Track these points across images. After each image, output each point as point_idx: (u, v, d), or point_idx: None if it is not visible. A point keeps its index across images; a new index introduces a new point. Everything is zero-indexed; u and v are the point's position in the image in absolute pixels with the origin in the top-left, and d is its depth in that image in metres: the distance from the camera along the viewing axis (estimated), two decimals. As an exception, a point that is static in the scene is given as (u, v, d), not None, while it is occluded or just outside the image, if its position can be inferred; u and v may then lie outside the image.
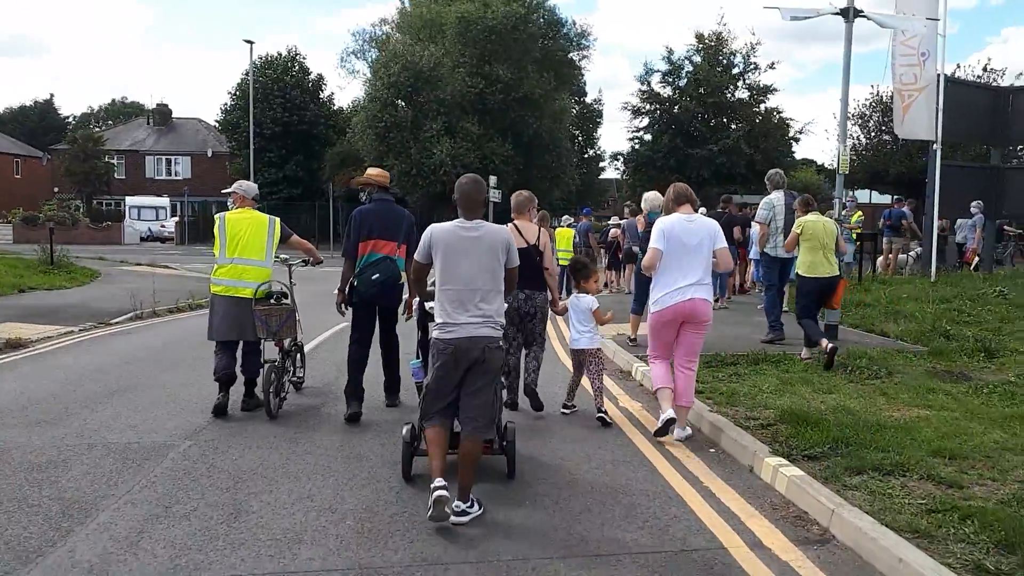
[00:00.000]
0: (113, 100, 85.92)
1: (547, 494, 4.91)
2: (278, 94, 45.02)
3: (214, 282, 6.94)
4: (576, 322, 6.79)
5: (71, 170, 50.13)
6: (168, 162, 55.79)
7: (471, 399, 4.48)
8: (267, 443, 6.02)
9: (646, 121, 42.62)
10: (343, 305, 6.89)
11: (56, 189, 52.97)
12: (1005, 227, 21.63)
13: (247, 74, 41.67)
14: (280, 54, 47.38)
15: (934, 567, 3.58)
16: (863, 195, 40.51)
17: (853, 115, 38.65)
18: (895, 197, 23.85)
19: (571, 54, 46.26)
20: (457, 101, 38.62)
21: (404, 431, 5.12)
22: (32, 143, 62.71)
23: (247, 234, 6.88)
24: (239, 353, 7.05)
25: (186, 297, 16.25)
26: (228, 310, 6.81)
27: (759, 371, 7.99)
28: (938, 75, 16.47)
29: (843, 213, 17.98)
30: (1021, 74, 33.62)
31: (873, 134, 38.12)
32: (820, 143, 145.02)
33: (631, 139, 43.10)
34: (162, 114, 58.43)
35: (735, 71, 41.23)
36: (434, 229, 4.57)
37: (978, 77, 34.21)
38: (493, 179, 32.25)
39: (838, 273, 8.87)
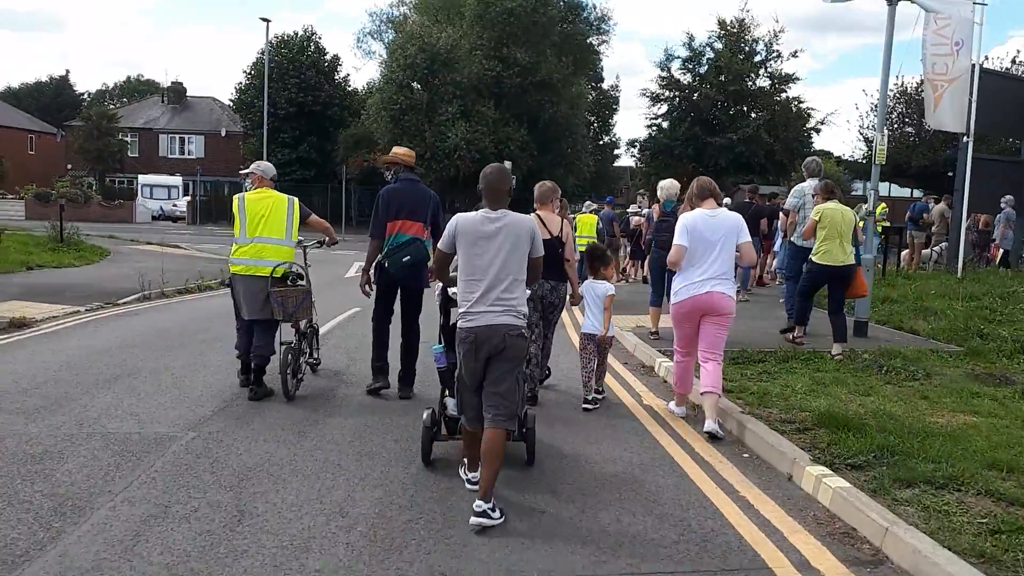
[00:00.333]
0: (128, 77, 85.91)
1: (572, 499, 4.58)
2: (293, 74, 44.67)
3: (233, 262, 6.88)
4: (591, 308, 6.82)
5: (84, 147, 49.93)
6: (181, 141, 55.54)
7: (493, 387, 4.39)
8: (274, 436, 5.71)
9: (665, 108, 42.11)
10: (369, 285, 6.86)
11: (69, 166, 52.82)
12: None
13: (262, 53, 41.37)
14: (296, 33, 47.02)
15: (1006, 599, 3.24)
16: (883, 188, 39.84)
17: (875, 106, 37.98)
18: (924, 192, 23.37)
19: (590, 39, 45.73)
20: (473, 84, 38.20)
21: (425, 415, 5.13)
22: (47, 119, 62.70)
23: (268, 213, 6.80)
24: (252, 339, 6.95)
25: (195, 278, 16.01)
26: (248, 288, 6.78)
27: (790, 369, 7.63)
28: (973, 65, 15.96)
29: (867, 206, 17.60)
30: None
31: (896, 126, 37.38)
32: (841, 134, 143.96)
33: (649, 126, 42.68)
34: (176, 92, 58.14)
35: (757, 59, 40.57)
36: (459, 219, 4.53)
37: (1006, 69, 33.46)
38: (508, 164, 31.89)
39: (853, 262, 8.66)
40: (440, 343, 5.28)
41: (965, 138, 16.29)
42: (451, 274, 4.86)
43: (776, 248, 14.90)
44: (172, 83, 59.17)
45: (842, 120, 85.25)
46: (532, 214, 6.52)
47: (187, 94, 58.71)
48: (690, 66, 41.68)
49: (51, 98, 72.39)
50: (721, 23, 40.75)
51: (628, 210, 18.00)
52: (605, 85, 54.40)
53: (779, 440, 5.34)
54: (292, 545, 3.91)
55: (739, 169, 37.96)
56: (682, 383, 6.37)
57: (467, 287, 4.44)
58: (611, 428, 6.07)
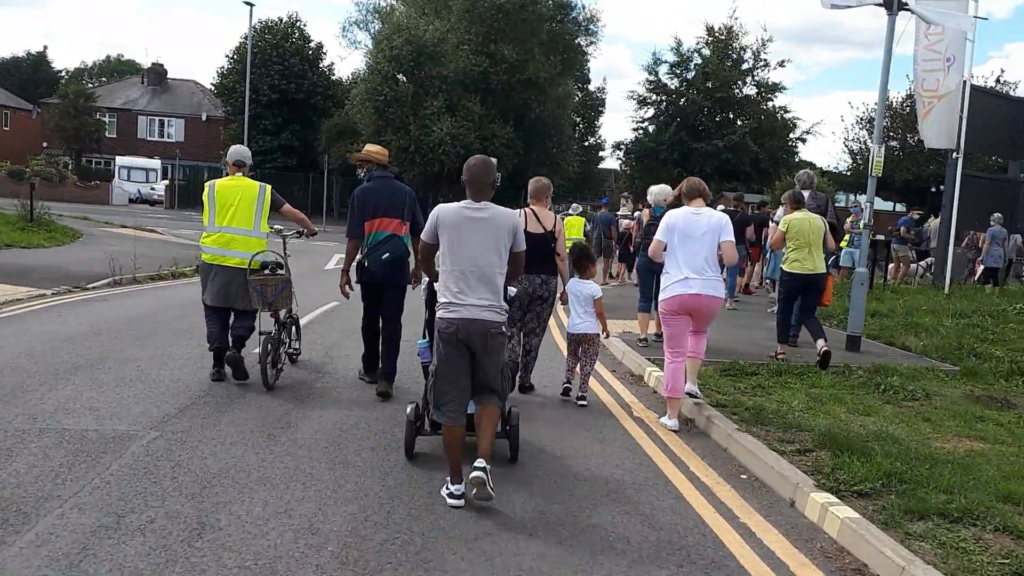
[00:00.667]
0: (108, 57, 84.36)
1: (563, 524, 4.25)
2: (277, 60, 43.97)
3: (203, 250, 6.85)
4: (577, 307, 6.83)
5: (61, 125, 48.82)
6: (161, 123, 54.49)
7: (481, 380, 4.44)
8: (243, 439, 5.34)
9: (651, 112, 41.92)
10: (349, 285, 6.82)
11: (45, 144, 51.67)
12: None
13: (246, 37, 40.64)
14: (281, 20, 46.32)
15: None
16: (851, 201, 40.00)
17: (862, 119, 38.18)
18: (908, 207, 23.34)
19: (578, 39, 45.30)
20: (460, 79, 37.75)
21: (408, 410, 5.09)
22: (23, 95, 61.26)
23: (236, 202, 6.71)
24: (231, 321, 6.92)
25: (169, 264, 15.55)
26: (217, 277, 6.72)
27: (784, 384, 7.37)
28: (964, 81, 15.85)
29: (850, 220, 17.46)
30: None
31: (881, 139, 37.47)
32: (826, 145, 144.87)
33: (635, 129, 42.40)
34: (157, 74, 56.99)
35: (744, 66, 40.49)
36: (440, 209, 4.50)
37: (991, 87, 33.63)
38: (493, 161, 31.49)
39: (824, 271, 8.74)
40: (424, 337, 5.24)
41: (955, 154, 16.16)
42: (436, 268, 4.82)
43: (769, 256, 14.73)
44: (153, 64, 57.99)
45: (827, 131, 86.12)
46: (527, 208, 6.81)
47: (168, 76, 57.59)
48: (677, 71, 41.54)
49: (28, 74, 70.73)
50: (709, 29, 40.67)
51: (619, 213, 17.70)
52: (592, 87, 54.18)
53: (779, 462, 5.05)
54: (256, 565, 3.55)
55: (724, 176, 37.82)
56: (673, 388, 6.16)
57: (448, 278, 4.40)
58: (600, 444, 5.74)
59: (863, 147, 37.89)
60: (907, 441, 5.54)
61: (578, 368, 6.87)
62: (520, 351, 6.82)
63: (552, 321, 10.19)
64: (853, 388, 7.33)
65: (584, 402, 6.72)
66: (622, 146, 43.57)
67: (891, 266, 18.86)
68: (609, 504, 4.56)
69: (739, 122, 40.34)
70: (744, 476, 5.16)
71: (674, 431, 6.05)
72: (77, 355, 7.51)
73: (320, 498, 4.38)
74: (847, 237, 17.02)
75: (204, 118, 53.04)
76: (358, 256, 6.69)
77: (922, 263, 20.22)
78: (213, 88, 50.42)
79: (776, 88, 40.82)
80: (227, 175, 6.99)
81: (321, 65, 47.56)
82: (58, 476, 4.45)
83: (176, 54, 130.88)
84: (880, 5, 9.58)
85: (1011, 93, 32.61)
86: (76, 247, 18.44)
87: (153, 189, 46.77)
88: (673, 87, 41.54)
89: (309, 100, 44.99)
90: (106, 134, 51.89)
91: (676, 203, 8.98)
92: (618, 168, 52.25)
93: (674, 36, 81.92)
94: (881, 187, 37.96)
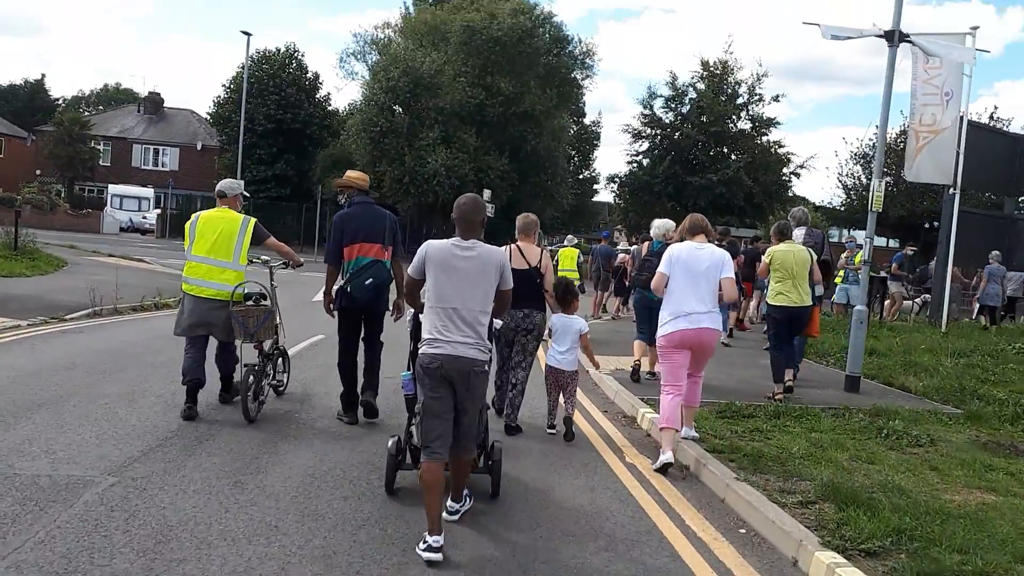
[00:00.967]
0: (106, 85, 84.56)
1: (545, 584, 3.92)
2: (273, 90, 43.94)
3: (184, 280, 6.84)
4: (560, 341, 6.82)
5: (55, 153, 48.65)
6: (156, 152, 54.44)
7: (461, 421, 4.40)
8: (207, 486, 4.99)
9: (646, 145, 41.83)
10: (332, 305, 6.79)
11: (39, 172, 51.44)
12: None
13: (243, 67, 40.68)
14: (278, 50, 46.34)
15: None
16: (861, 237, 39.89)
17: (855, 155, 38.22)
18: (901, 243, 23.16)
19: (574, 73, 45.52)
20: (456, 111, 37.75)
21: (390, 443, 5.03)
22: (19, 123, 61.23)
23: (217, 235, 6.71)
24: (212, 353, 6.95)
25: (153, 294, 15.18)
26: (195, 308, 6.70)
27: (782, 427, 7.05)
28: (961, 117, 15.74)
29: (844, 256, 17.25)
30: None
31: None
32: (820, 180, 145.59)
33: (629, 162, 42.26)
34: (153, 103, 57.05)
35: (739, 101, 40.57)
36: (429, 246, 4.50)
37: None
38: (487, 193, 31.36)
39: (809, 303, 8.61)
40: (408, 369, 5.14)
41: (951, 190, 16.00)
42: (421, 301, 4.83)
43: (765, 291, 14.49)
44: (149, 93, 58.09)
45: (820, 166, 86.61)
46: (513, 244, 6.91)
47: (164, 105, 57.67)
48: (672, 105, 41.50)
49: (25, 102, 70.82)
50: (704, 64, 40.74)
51: (619, 247, 17.51)
52: (587, 120, 54.34)
53: (780, 515, 4.72)
54: (205, 636, 3.21)
55: (718, 210, 37.63)
56: (669, 419, 6.03)
57: (433, 314, 4.39)
58: (591, 492, 5.40)
59: (857, 182, 37.85)
60: (915, 493, 5.21)
61: (561, 400, 6.87)
62: (505, 381, 6.90)
63: (540, 352, 9.95)
64: (854, 432, 7.01)
65: (553, 431, 6.78)
66: (616, 179, 43.44)
67: (887, 302, 18.63)
68: (599, 561, 4.22)
69: (733, 156, 40.26)
70: (743, 530, 4.82)
71: (669, 464, 5.84)
72: (43, 391, 7.16)
73: (284, 555, 4.04)
74: (841, 273, 16.82)
75: (199, 147, 52.98)
76: (340, 282, 6.64)
77: (917, 300, 20.00)
78: (209, 117, 50.36)
79: (771, 123, 40.88)
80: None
81: (317, 95, 47.54)
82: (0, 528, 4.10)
83: (173, 83, 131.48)
84: (881, 37, 9.43)
85: (1005, 129, 32.66)
86: (59, 276, 18.08)
87: (145, 218, 46.46)
88: (668, 121, 41.52)
89: (305, 130, 44.91)
90: (100, 162, 51.77)
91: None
92: (612, 201, 52.20)
93: (669, 70, 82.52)
94: (876, 223, 38.01)
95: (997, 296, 17.39)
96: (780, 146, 41.02)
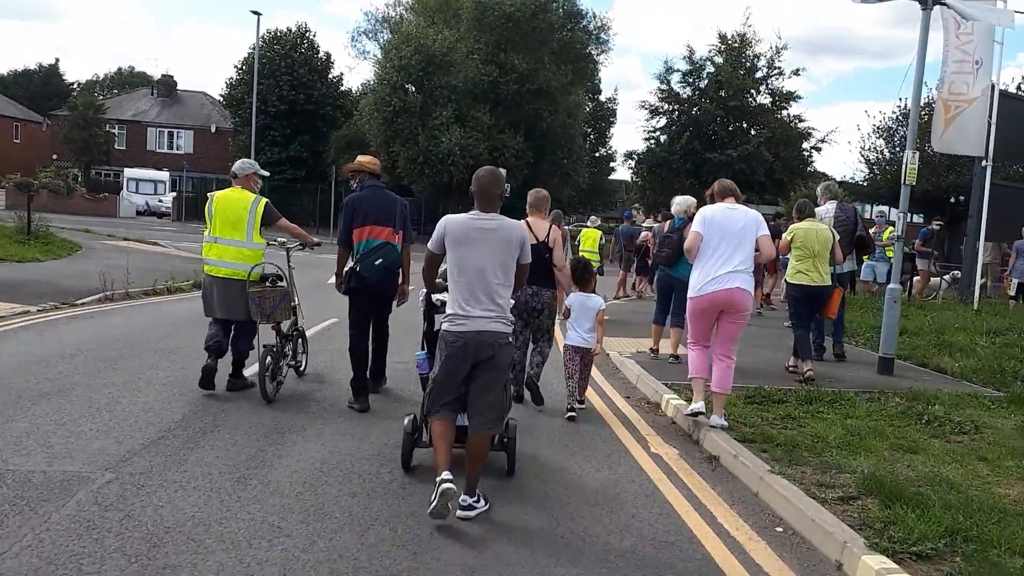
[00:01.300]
0: (119, 69, 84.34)
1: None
2: (285, 71, 43.58)
3: (204, 261, 6.95)
4: (579, 320, 6.83)
5: (70, 137, 48.56)
6: (170, 135, 54.24)
7: (482, 395, 4.39)
8: (208, 482, 4.71)
9: (663, 121, 41.15)
10: (341, 286, 6.78)
11: (55, 156, 51.42)
12: None
13: (254, 48, 40.31)
14: (289, 30, 45.94)
15: None
16: (888, 212, 39.09)
17: (878, 128, 37.35)
18: (929, 217, 22.55)
19: (589, 48, 44.75)
20: (469, 89, 37.22)
21: (406, 421, 5.05)
22: (35, 108, 61.27)
23: (231, 215, 6.78)
24: (231, 333, 6.96)
25: (166, 278, 14.94)
26: (216, 290, 6.80)
27: (815, 414, 6.68)
28: (992, 85, 15.15)
29: (872, 231, 16.72)
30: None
31: (898, 149, 36.65)
32: (840, 155, 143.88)
33: (647, 139, 41.59)
34: (167, 85, 56.79)
35: (758, 75, 39.76)
36: (448, 220, 4.48)
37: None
38: (503, 172, 30.90)
39: (829, 283, 8.54)
40: (423, 349, 5.20)
41: (984, 162, 15.44)
42: (438, 280, 4.91)
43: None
44: (163, 76, 57.85)
45: (841, 140, 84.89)
46: (523, 220, 6.66)
47: (178, 88, 57.41)
48: (690, 80, 40.71)
49: (40, 87, 70.88)
50: (722, 37, 39.93)
51: (643, 225, 17.19)
52: (603, 97, 53.51)
53: (821, 513, 4.37)
54: (196, 657, 2.92)
55: (739, 187, 36.91)
56: (698, 369, 6.23)
57: (456, 288, 4.38)
58: (615, 487, 5.07)
59: (880, 156, 36.97)
60: (965, 487, 4.84)
61: (576, 375, 6.89)
62: (518, 360, 6.88)
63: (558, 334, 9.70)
64: (892, 418, 6.63)
65: (574, 413, 6.68)
66: (634, 156, 42.78)
67: (915, 279, 18.12)
68: (626, 566, 3.90)
69: (753, 131, 39.54)
70: (780, 529, 4.48)
71: (700, 412, 6.10)
72: (46, 380, 6.93)
73: (286, 559, 3.75)
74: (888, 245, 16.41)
75: (213, 129, 52.76)
76: (350, 263, 6.65)
77: (946, 276, 19.47)
78: (222, 99, 50.10)
79: (791, 97, 40.07)
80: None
81: (330, 75, 47.18)
82: (-15, 532, 3.84)
83: (186, 66, 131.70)
84: (914, 0, 8.95)
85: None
86: (72, 260, 17.92)
87: (161, 201, 46.38)
88: (685, 96, 40.78)
89: (318, 111, 44.57)
90: (115, 146, 51.63)
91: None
92: (629, 179, 51.53)
93: (686, 44, 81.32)
94: (899, 197, 37.22)
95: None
96: (800, 120, 40.28)
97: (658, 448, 5.97)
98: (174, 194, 45.84)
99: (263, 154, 40.96)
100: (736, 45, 39.55)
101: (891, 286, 9.12)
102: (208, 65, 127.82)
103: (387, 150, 36.30)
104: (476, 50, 37.64)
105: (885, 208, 28.57)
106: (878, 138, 37.19)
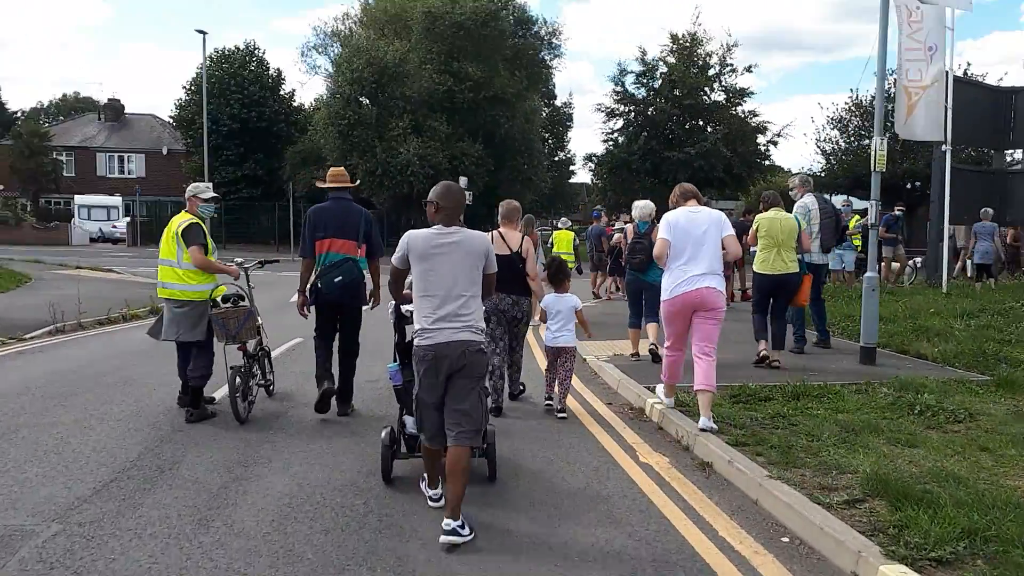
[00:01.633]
0: (64, 95, 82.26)
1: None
2: (235, 89, 42.76)
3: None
4: (556, 320, 6.91)
5: (16, 167, 47.21)
6: (121, 159, 52.94)
7: (455, 405, 4.27)
8: (167, 528, 4.30)
9: (620, 123, 41.16)
10: (305, 308, 6.75)
11: (1, 187, 49.99)
12: None
13: (202, 67, 39.52)
14: (237, 48, 45.12)
15: None
16: (842, 200, 39.45)
17: (832, 119, 37.72)
18: (887, 204, 22.64)
19: (542, 53, 44.74)
20: (424, 99, 36.86)
21: (384, 434, 5.06)
22: (-24, 139, 59.53)
23: (168, 235, 6.80)
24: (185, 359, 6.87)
25: (121, 306, 14.35)
26: (164, 311, 6.85)
27: (805, 410, 6.44)
28: (946, 71, 15.23)
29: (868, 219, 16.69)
30: (1006, 73, 32.80)
31: (852, 139, 37.06)
32: (796, 147, 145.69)
33: (605, 141, 41.60)
34: (114, 109, 55.46)
35: (711, 72, 39.97)
36: (411, 236, 4.45)
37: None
38: (464, 180, 30.60)
39: (795, 270, 8.67)
40: (395, 361, 5.17)
41: (944, 147, 15.52)
42: (405, 291, 4.86)
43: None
44: (109, 100, 56.48)
45: (796, 133, 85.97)
46: (495, 231, 6.94)
47: (125, 111, 56.15)
48: (644, 80, 40.78)
49: (-18, 117, 68.99)
50: (674, 37, 40.06)
51: (616, 226, 17.06)
52: (558, 102, 53.47)
53: (828, 519, 4.10)
54: None
55: (698, 184, 36.69)
56: (672, 375, 6.45)
57: (422, 304, 4.35)
58: (606, 503, 4.76)
59: (836, 147, 37.34)
60: (973, 481, 4.61)
61: (556, 385, 6.97)
62: (497, 366, 6.85)
63: (529, 337, 9.47)
64: (884, 410, 6.42)
65: (564, 415, 6.78)
66: (593, 159, 42.70)
67: (882, 266, 18.16)
68: (626, 592, 3.60)
69: (709, 128, 39.69)
70: (786, 539, 4.20)
71: (670, 408, 6.43)
72: (-12, 423, 6.45)
73: (255, 613, 3.38)
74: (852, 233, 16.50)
75: (165, 152, 51.67)
76: (312, 277, 6.63)
77: (910, 262, 19.57)
78: (172, 121, 49.07)
79: (744, 93, 40.32)
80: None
81: (282, 92, 46.39)
82: (-89, 604, 3.42)
83: (133, 89, 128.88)
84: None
85: (988, 83, 32.29)
86: (20, 293, 17.22)
87: (115, 227, 45.31)
88: (641, 96, 40.84)
89: (271, 128, 43.80)
90: (64, 173, 50.31)
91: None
92: (590, 182, 51.51)
93: (639, 46, 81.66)
94: (856, 185, 37.49)
95: (990, 253, 16.90)
96: (755, 115, 40.55)
97: (647, 457, 5.68)
98: (128, 219, 44.74)
99: (217, 174, 40.15)
100: (688, 44, 39.72)
101: (868, 275, 8.97)
102: (156, 87, 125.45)
103: (345, 163, 35.71)
104: (429, 60, 37.27)
105: (845, 197, 28.75)
106: (832, 129, 37.57)
